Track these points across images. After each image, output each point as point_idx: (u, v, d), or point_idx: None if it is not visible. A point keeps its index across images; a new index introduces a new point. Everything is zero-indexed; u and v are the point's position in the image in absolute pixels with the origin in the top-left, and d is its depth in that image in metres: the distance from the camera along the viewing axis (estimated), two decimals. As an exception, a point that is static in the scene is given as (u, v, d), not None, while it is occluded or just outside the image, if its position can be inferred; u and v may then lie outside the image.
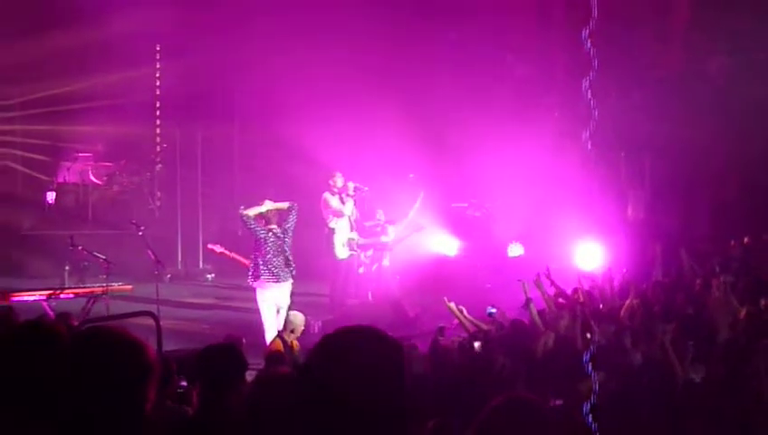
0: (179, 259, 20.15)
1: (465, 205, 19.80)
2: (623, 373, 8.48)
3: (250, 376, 6.05)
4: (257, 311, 12.84)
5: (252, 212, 12.80)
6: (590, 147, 9.55)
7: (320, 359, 2.51)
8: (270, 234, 12.72)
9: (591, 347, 8.41)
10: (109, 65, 19.10)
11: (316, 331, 13.39)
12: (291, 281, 12.82)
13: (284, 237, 12.78)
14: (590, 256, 15.30)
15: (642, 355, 8.82)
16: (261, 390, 4.94)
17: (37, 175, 20.74)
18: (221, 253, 15.05)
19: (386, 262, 16.81)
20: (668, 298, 11.98)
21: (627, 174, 18.73)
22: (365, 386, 2.38)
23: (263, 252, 12.65)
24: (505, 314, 11.34)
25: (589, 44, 7.83)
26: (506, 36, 19.36)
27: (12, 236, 18.88)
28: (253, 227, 12.75)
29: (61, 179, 20.68)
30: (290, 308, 12.38)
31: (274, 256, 12.65)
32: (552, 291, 12.33)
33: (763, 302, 10.52)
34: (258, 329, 12.60)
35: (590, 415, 6.04)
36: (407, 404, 2.49)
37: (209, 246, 15.65)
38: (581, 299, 11.30)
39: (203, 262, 19.83)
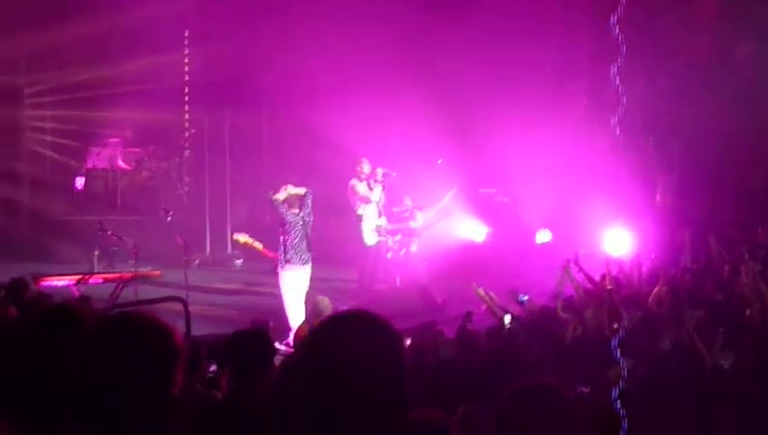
0: (207, 245, 20.16)
1: (493, 190, 19.75)
2: (652, 359, 8.45)
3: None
4: (281, 296, 12.97)
5: (281, 196, 12.98)
6: (618, 133, 9.51)
7: (319, 342, 2.51)
8: (298, 217, 12.92)
9: (620, 333, 8.39)
10: (137, 51, 19.05)
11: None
12: (310, 264, 13.09)
13: (309, 221, 13.02)
14: (618, 242, 15.27)
15: (671, 341, 8.79)
16: (288, 376, 4.95)
17: (66, 160, 20.85)
18: (245, 243, 14.66)
19: (414, 247, 16.79)
20: (697, 284, 11.94)
21: (655, 160, 18.60)
22: (364, 372, 2.38)
23: (291, 236, 12.87)
24: (533, 300, 11.35)
25: (617, 30, 7.79)
26: (532, 22, 19.23)
27: (41, 222, 18.98)
28: (283, 211, 12.95)
29: (90, 165, 20.74)
30: (310, 292, 12.47)
31: (301, 241, 12.89)
32: (580, 277, 12.29)
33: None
34: (285, 314, 12.69)
35: (619, 401, 6.02)
36: (408, 395, 2.49)
37: (234, 236, 15.36)
38: (610, 285, 11.26)
39: (231, 247, 19.87)
